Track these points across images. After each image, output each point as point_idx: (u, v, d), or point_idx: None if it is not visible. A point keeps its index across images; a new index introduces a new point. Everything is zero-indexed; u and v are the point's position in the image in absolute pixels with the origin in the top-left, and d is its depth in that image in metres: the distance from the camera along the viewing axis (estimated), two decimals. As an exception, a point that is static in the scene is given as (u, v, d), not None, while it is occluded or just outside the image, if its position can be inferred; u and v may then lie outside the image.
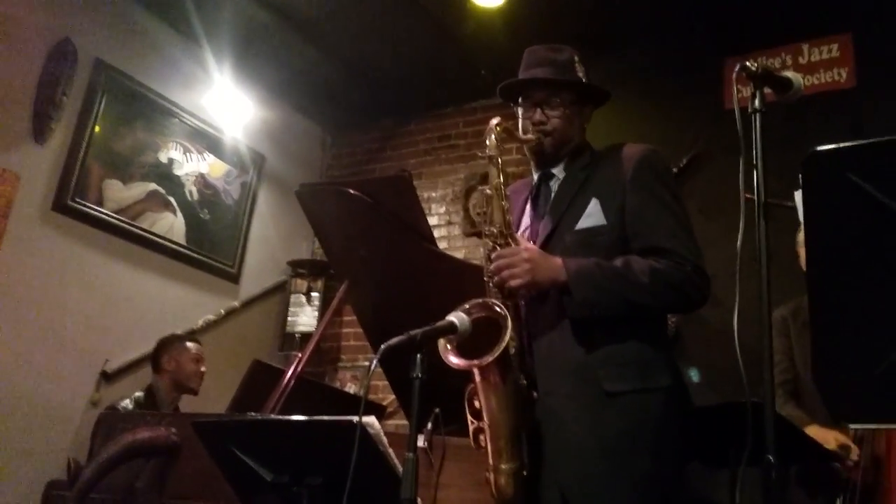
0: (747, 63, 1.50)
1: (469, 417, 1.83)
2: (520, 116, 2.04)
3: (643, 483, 1.70)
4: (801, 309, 2.69)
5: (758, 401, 1.46)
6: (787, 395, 2.65)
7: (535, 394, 1.82)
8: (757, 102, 1.49)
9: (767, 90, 1.52)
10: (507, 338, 1.68)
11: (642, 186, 1.87)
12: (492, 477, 1.77)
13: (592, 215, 1.88)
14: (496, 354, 1.67)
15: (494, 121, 1.95)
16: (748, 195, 1.46)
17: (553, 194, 1.99)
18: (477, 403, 1.79)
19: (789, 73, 1.55)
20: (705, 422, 2.22)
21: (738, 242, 1.43)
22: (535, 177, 2.08)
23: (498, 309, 1.74)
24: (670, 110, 4.23)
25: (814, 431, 2.45)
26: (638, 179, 1.88)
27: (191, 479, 2.19)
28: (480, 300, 1.78)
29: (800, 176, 1.24)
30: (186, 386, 3.87)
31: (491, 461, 1.77)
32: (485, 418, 1.77)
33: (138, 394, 3.79)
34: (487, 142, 1.94)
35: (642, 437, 1.72)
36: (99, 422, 3.25)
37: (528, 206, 2.05)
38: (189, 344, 3.94)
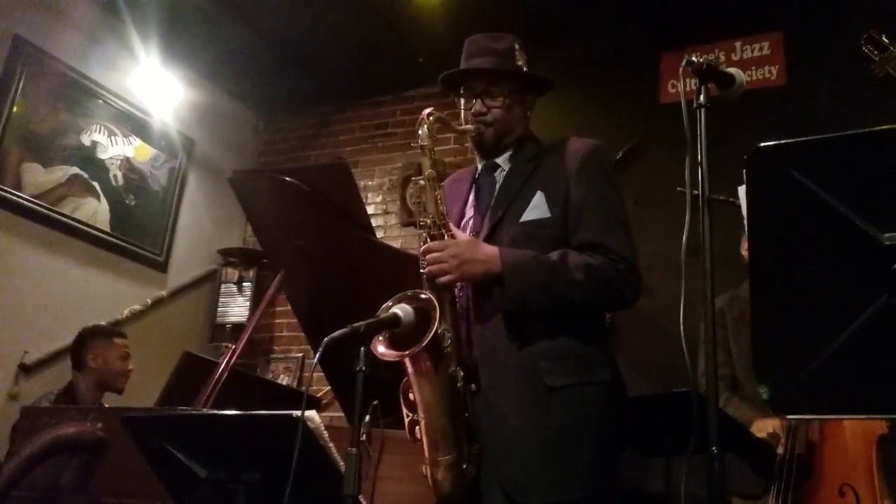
0: (693, 58, 1.52)
1: (405, 410, 1.82)
2: (461, 107, 2.03)
3: (583, 475, 1.72)
4: (738, 298, 2.76)
5: (698, 391, 1.50)
6: (729, 390, 2.72)
7: (473, 386, 1.81)
8: (702, 98, 1.51)
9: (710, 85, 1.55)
10: (435, 325, 1.67)
11: (585, 181, 1.89)
12: (428, 470, 1.76)
13: (537, 208, 1.88)
14: (424, 344, 1.65)
15: (427, 111, 1.94)
16: (684, 189, 1.48)
17: (498, 186, 1.98)
18: (411, 396, 1.78)
19: (733, 70, 1.57)
20: (641, 411, 2.26)
21: (685, 236, 1.45)
22: (480, 167, 2.06)
23: (424, 297, 1.73)
24: (607, 103, 4.30)
25: (762, 423, 2.52)
26: (582, 174, 1.89)
27: (120, 475, 2.11)
28: (408, 292, 1.76)
29: (744, 171, 1.26)
30: (112, 385, 3.60)
31: (427, 454, 1.76)
32: (419, 410, 1.77)
33: (57, 392, 3.56)
34: (420, 132, 1.92)
35: (582, 430, 1.74)
36: (20, 417, 3.10)
37: (472, 197, 2.04)
38: (116, 340, 3.65)
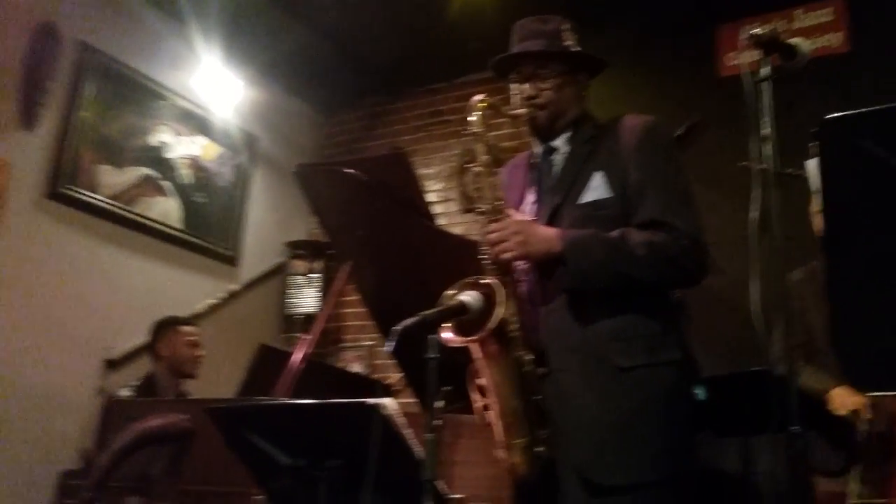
0: (756, 30, 1.48)
1: (473, 395, 1.83)
2: (512, 92, 2.01)
3: (658, 457, 1.70)
4: (816, 272, 2.69)
5: (774, 370, 1.48)
6: (804, 359, 2.65)
7: (541, 370, 1.81)
8: (765, 71, 1.48)
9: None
10: (498, 311, 1.67)
11: (644, 159, 1.86)
12: (503, 454, 1.77)
13: (596, 189, 1.86)
14: (490, 327, 1.67)
15: (477, 97, 1.93)
16: (749, 164, 1.46)
17: (556, 169, 1.97)
18: (479, 380, 1.80)
19: (796, 40, 1.54)
20: (717, 391, 2.23)
21: (754, 212, 1.42)
22: (537, 151, 2.05)
23: (486, 281, 1.73)
24: (663, 80, 4.21)
25: (839, 392, 2.45)
26: (640, 151, 1.86)
27: (206, 464, 2.19)
28: (471, 278, 1.77)
29: (813, 144, 1.23)
30: (184, 371, 3.81)
31: (500, 437, 1.77)
32: (489, 395, 1.78)
33: (137, 382, 3.77)
34: (471, 119, 1.92)
35: (655, 410, 1.72)
36: (106, 410, 3.26)
37: (530, 181, 2.03)
38: (184, 328, 3.86)
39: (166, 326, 3.85)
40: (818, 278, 2.67)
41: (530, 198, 2.01)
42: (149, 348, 3.88)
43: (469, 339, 1.69)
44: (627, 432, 1.70)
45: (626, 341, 1.75)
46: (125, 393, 3.66)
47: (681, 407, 1.78)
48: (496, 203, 1.86)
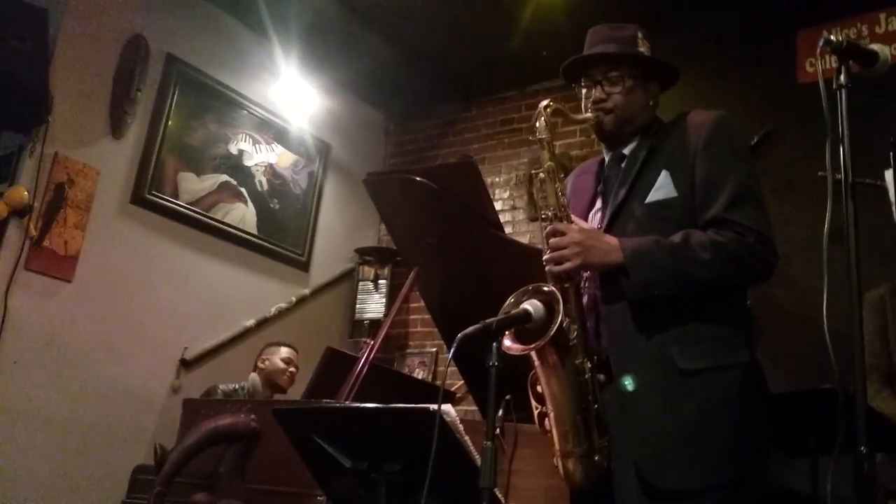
0: (832, 36, 1.44)
1: (533, 402, 1.82)
2: (582, 97, 1.99)
3: (722, 461, 1.65)
4: None
5: (846, 388, 1.42)
6: (881, 381, 2.54)
7: (601, 377, 1.79)
8: (842, 77, 1.43)
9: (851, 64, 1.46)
10: (558, 319, 1.65)
11: (711, 155, 1.81)
12: (560, 462, 1.76)
13: (663, 187, 1.82)
14: (549, 336, 1.65)
15: (544, 103, 1.91)
16: (830, 174, 1.41)
17: (622, 172, 1.94)
18: (539, 388, 1.78)
19: (876, 46, 1.48)
20: (785, 408, 2.17)
21: (826, 223, 1.37)
22: (606, 158, 2.02)
23: (546, 289, 1.72)
24: (740, 85, 4.11)
25: None
26: (708, 147, 1.81)
27: (271, 464, 2.25)
28: (530, 286, 1.75)
29: (891, 154, 1.19)
30: (276, 383, 4.09)
31: (558, 445, 1.75)
32: (548, 402, 1.76)
33: (243, 384, 4.06)
34: (537, 125, 1.90)
35: (719, 414, 1.67)
36: (185, 407, 3.41)
37: (600, 189, 2.00)
38: (283, 347, 4.20)
39: (270, 345, 4.22)
40: None
41: (598, 204, 1.99)
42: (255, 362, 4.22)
43: (528, 347, 1.68)
44: (692, 435, 1.66)
45: (689, 345, 1.71)
46: (224, 387, 3.95)
47: (749, 411, 1.71)
48: (560, 210, 1.84)
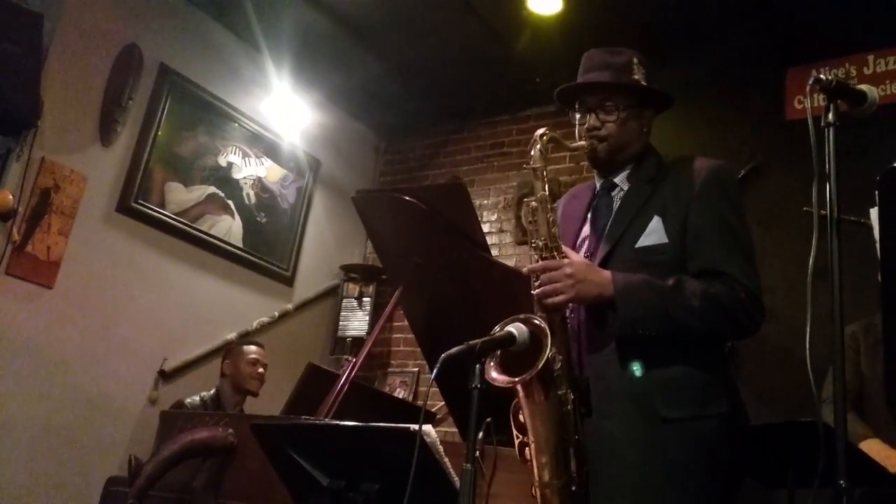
0: (821, 75, 1.46)
1: (514, 431, 1.81)
2: (576, 123, 2.00)
3: None
4: (873, 326, 2.62)
5: (824, 422, 1.43)
6: (848, 406, 2.57)
7: (583, 410, 1.79)
8: (830, 116, 1.45)
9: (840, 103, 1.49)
10: (546, 353, 1.65)
11: (706, 204, 1.82)
12: (538, 492, 1.75)
13: (654, 233, 1.83)
14: (535, 371, 1.65)
15: (540, 131, 1.92)
16: (816, 210, 1.43)
17: (615, 207, 1.94)
18: (521, 418, 1.78)
19: (864, 87, 1.50)
20: (764, 440, 2.17)
21: (811, 258, 1.39)
22: (598, 185, 2.03)
23: (538, 323, 1.71)
24: (729, 119, 4.17)
25: (875, 447, 2.38)
26: (703, 197, 1.83)
27: (247, 479, 2.22)
28: (522, 315, 1.75)
29: (876, 193, 1.21)
30: (244, 388, 3.98)
31: (536, 476, 1.75)
32: (529, 433, 1.76)
33: (207, 394, 3.95)
34: (532, 153, 1.90)
35: (698, 463, 1.69)
36: (162, 420, 3.36)
37: (588, 217, 2.01)
38: (247, 347, 4.07)
39: (233, 347, 4.09)
40: (874, 333, 2.59)
41: (585, 232, 1.99)
42: (221, 367, 4.09)
43: (514, 380, 1.68)
44: (670, 483, 1.67)
45: (674, 391, 1.72)
46: (191, 401, 3.84)
47: (724, 460, 1.73)
48: (551, 240, 1.83)
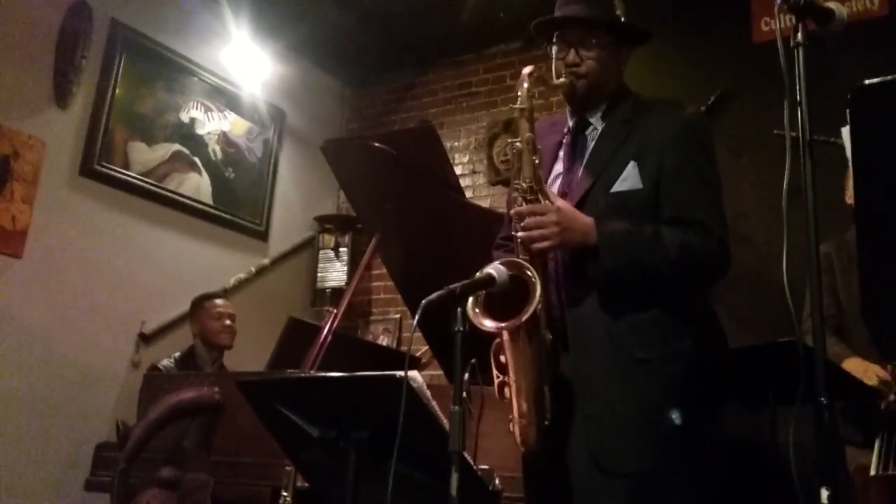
0: (787, -6, 1.44)
1: (495, 372, 1.83)
2: (553, 57, 1.94)
3: (672, 445, 1.72)
4: (845, 244, 2.65)
5: (803, 341, 1.46)
6: (829, 330, 2.63)
7: (560, 346, 1.82)
8: (800, 36, 1.43)
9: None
10: (535, 303, 1.67)
11: (680, 152, 1.83)
12: (515, 427, 1.79)
13: (628, 179, 1.82)
14: (525, 318, 1.67)
15: (527, 70, 1.88)
16: (783, 132, 1.42)
17: (589, 149, 1.92)
18: (503, 358, 1.80)
19: (832, 4, 1.49)
20: (745, 362, 2.22)
21: (785, 181, 1.39)
22: (570, 123, 2.00)
23: (529, 273, 1.72)
24: (696, 46, 4.13)
25: (853, 364, 2.44)
26: (678, 144, 1.83)
27: (237, 436, 2.24)
28: (512, 259, 1.76)
29: (847, 112, 1.20)
30: (216, 342, 3.92)
31: (516, 413, 1.78)
32: (510, 373, 1.78)
33: (178, 354, 3.89)
34: (520, 93, 1.86)
35: (670, 400, 1.73)
36: (145, 381, 3.35)
37: (562, 154, 1.98)
38: (208, 302, 3.97)
39: (196, 304, 3.98)
40: (846, 250, 2.63)
41: (557, 169, 1.97)
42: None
43: (502, 325, 1.70)
44: (645, 421, 1.72)
45: (643, 332, 1.77)
46: (166, 363, 3.78)
47: (691, 398, 1.77)
48: (536, 183, 1.82)
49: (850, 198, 2.74)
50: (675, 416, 1.73)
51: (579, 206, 1.84)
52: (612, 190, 1.83)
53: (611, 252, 1.75)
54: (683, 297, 1.85)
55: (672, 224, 1.79)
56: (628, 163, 1.84)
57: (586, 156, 1.92)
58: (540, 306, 1.75)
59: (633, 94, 1.99)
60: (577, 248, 1.80)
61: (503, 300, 1.71)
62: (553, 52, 1.95)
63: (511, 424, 1.80)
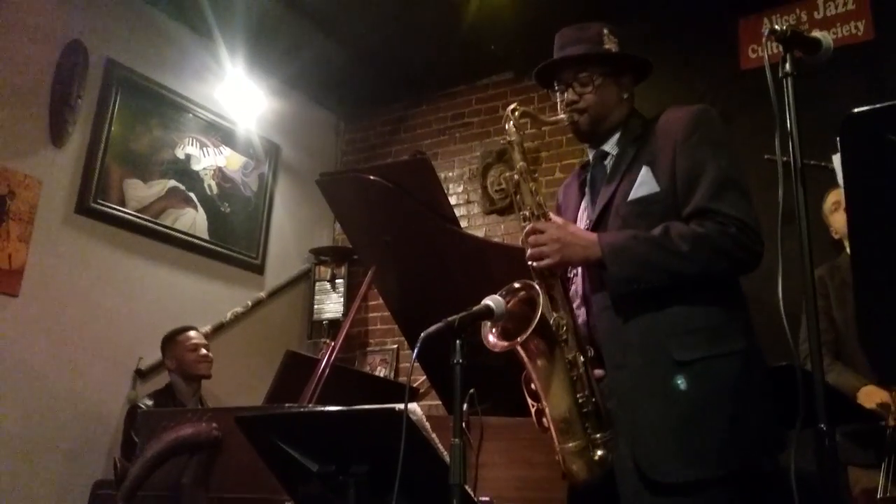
0: (776, 25, 1.47)
1: (529, 400, 1.81)
2: (558, 101, 2.00)
3: (719, 453, 1.64)
4: (838, 268, 2.67)
5: (801, 366, 1.46)
6: (831, 357, 2.64)
7: (598, 372, 1.80)
8: (788, 66, 1.46)
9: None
10: (540, 311, 1.66)
11: (691, 147, 1.81)
12: (561, 458, 1.75)
13: (645, 183, 1.82)
14: (531, 329, 1.66)
15: (510, 107, 1.93)
16: (774, 157, 1.44)
17: (608, 172, 1.95)
18: (533, 385, 1.78)
19: (818, 34, 1.52)
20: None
21: (780, 206, 1.40)
22: (590, 156, 2.03)
23: (528, 284, 1.73)
24: (685, 74, 4.18)
25: (867, 390, 2.44)
26: (687, 140, 1.82)
27: (235, 472, 2.21)
28: (517, 282, 1.76)
29: (838, 140, 1.22)
30: (194, 374, 3.89)
31: (556, 442, 1.75)
32: (542, 399, 1.76)
33: (157, 389, 3.88)
34: (506, 127, 1.92)
35: (718, 404, 1.66)
36: (129, 418, 3.33)
37: (587, 190, 2.00)
38: (183, 335, 3.94)
39: (168, 340, 3.94)
40: (839, 274, 2.65)
41: (584, 204, 2.00)
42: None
43: (513, 342, 1.68)
44: (691, 427, 1.65)
45: (683, 335, 1.71)
46: (146, 402, 3.74)
47: (747, 398, 1.69)
48: (537, 209, 1.85)
49: (837, 225, 2.77)
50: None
51: (601, 219, 1.86)
52: (631, 198, 1.83)
53: (616, 260, 1.74)
54: (723, 296, 1.77)
55: (689, 219, 1.76)
56: (641, 169, 1.85)
57: (605, 179, 1.94)
58: (564, 327, 1.75)
59: (645, 117, 2.01)
60: (580, 264, 1.81)
61: (521, 325, 1.69)
62: (556, 96, 2.00)
63: (556, 456, 1.75)
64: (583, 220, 1.96)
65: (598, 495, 1.74)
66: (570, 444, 1.73)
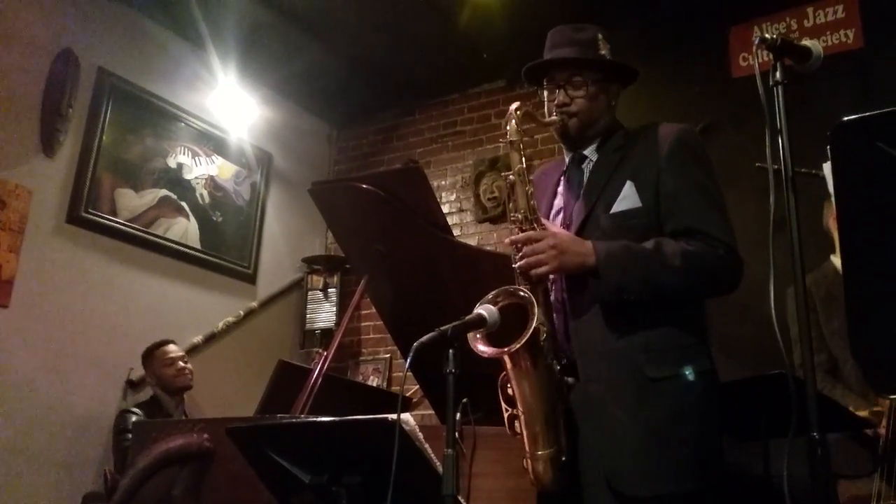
0: (766, 34, 1.48)
1: (503, 405, 1.81)
2: (545, 99, 2.01)
3: (690, 466, 1.69)
4: (823, 277, 2.67)
5: (792, 374, 1.46)
6: (824, 374, 2.62)
7: (570, 380, 1.81)
8: (778, 75, 1.46)
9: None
10: (534, 323, 1.67)
11: (677, 167, 1.84)
12: (529, 464, 1.77)
13: (627, 198, 1.84)
14: (524, 340, 1.66)
15: (514, 106, 1.92)
16: (765, 165, 1.44)
17: (586, 177, 1.95)
18: (510, 390, 1.78)
19: (808, 42, 1.52)
20: (735, 395, 2.21)
21: (771, 214, 1.40)
22: (567, 159, 2.04)
23: (523, 294, 1.73)
24: (676, 82, 4.20)
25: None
26: (673, 159, 1.84)
27: (226, 483, 2.20)
28: (505, 288, 1.76)
29: (828, 148, 1.22)
30: (175, 387, 3.93)
31: (527, 448, 1.76)
32: (518, 405, 1.76)
33: (143, 400, 3.91)
34: (508, 127, 1.91)
35: (686, 421, 1.70)
36: (118, 421, 3.30)
37: (561, 189, 2.02)
38: (161, 350, 3.98)
39: (147, 356, 3.98)
40: (824, 284, 2.64)
41: (558, 204, 2.00)
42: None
43: (501, 350, 1.69)
44: (660, 442, 1.68)
45: (656, 352, 1.74)
46: (133, 412, 3.76)
47: (711, 416, 1.76)
48: (530, 213, 1.85)
49: (829, 225, 2.77)
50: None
51: (580, 230, 1.86)
52: (612, 211, 1.85)
53: (612, 269, 1.75)
54: (694, 317, 1.82)
55: (675, 236, 1.79)
56: (625, 183, 1.86)
57: (584, 185, 1.94)
58: (545, 332, 1.75)
59: (626, 127, 2.03)
60: (575, 271, 1.80)
61: (508, 332, 1.70)
62: (544, 95, 2.00)
63: (524, 461, 1.77)
64: (557, 219, 1.97)
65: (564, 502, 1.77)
66: (541, 452, 1.74)
